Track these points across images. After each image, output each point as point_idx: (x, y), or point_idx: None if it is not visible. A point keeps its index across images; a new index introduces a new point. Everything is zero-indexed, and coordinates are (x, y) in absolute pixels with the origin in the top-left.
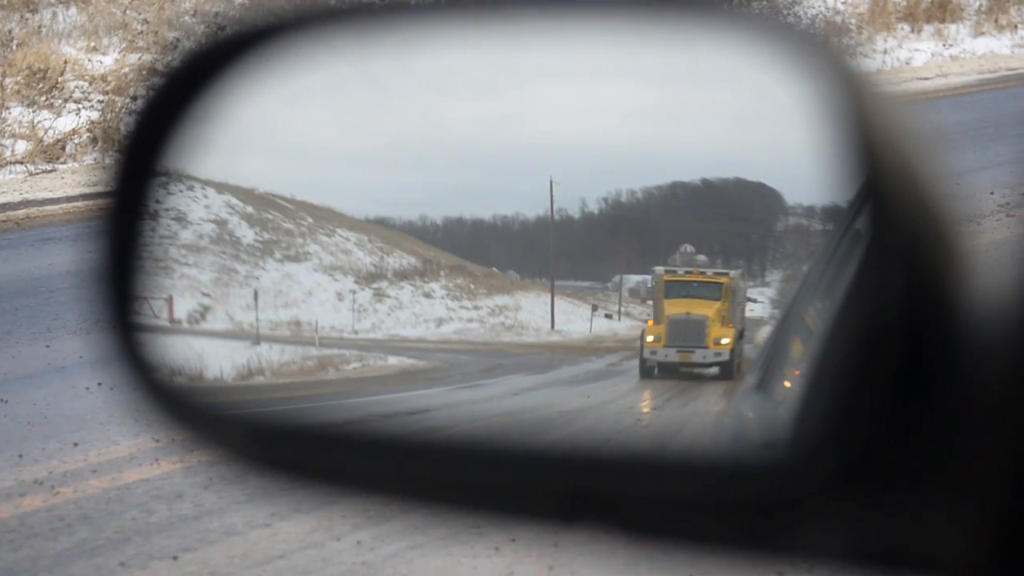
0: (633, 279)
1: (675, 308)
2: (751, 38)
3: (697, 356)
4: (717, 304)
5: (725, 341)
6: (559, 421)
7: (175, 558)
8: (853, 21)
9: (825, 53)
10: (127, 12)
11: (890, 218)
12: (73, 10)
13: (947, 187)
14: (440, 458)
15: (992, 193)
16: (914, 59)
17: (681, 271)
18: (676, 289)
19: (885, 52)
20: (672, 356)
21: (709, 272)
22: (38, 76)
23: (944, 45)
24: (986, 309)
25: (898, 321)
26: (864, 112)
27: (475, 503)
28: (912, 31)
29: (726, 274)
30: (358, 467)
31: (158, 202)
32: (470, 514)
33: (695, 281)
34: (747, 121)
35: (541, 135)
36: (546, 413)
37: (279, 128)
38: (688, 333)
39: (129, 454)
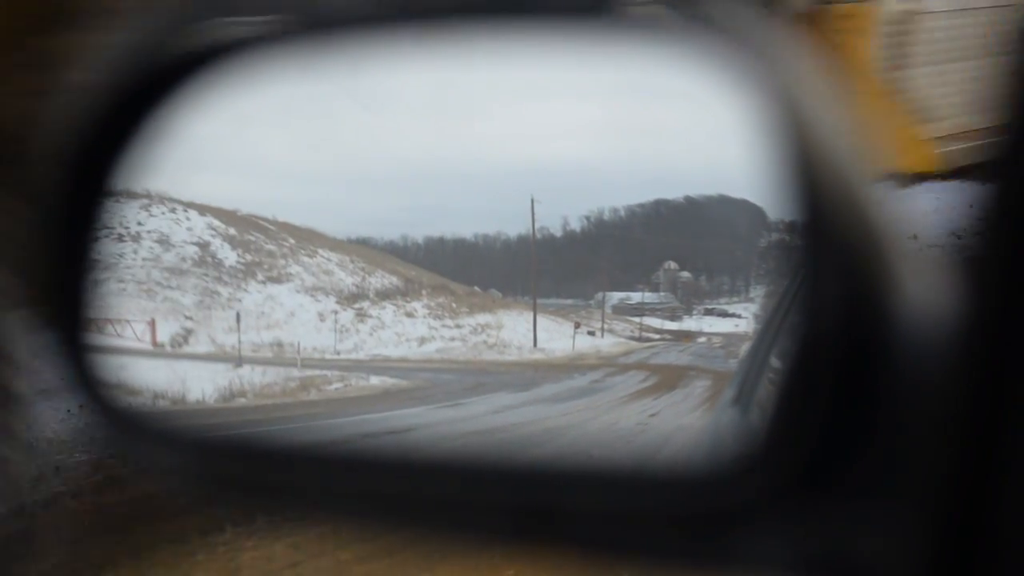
0: (616, 296)
1: None
2: (703, 52)
3: None
4: None
5: None
6: (541, 439)
7: None
8: None
9: (766, 62)
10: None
11: (825, 231)
12: None
13: (885, 200)
14: (421, 477)
15: (971, 206)
16: None
17: None
18: None
19: None
20: None
21: None
22: None
23: None
24: (922, 320)
25: (834, 334)
26: (801, 123)
27: (455, 522)
28: None
29: None
30: (338, 487)
31: (140, 224)
32: (452, 533)
33: None
34: (710, 140)
35: (521, 154)
36: (528, 431)
37: (246, 148)
38: None
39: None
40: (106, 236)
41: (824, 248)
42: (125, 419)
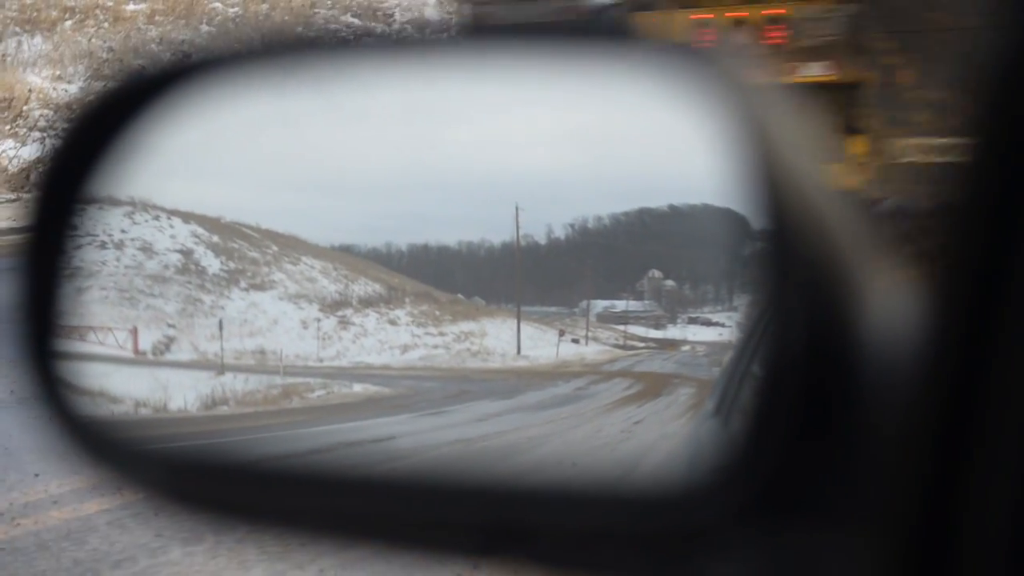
0: (600, 304)
1: None
2: (680, 69)
3: None
4: None
5: None
6: (524, 447)
7: None
8: None
9: (734, 83)
10: (92, 40)
11: (791, 251)
12: (39, 39)
13: (852, 217)
14: (394, 495)
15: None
16: None
17: None
18: None
19: None
20: None
21: None
22: (2, 105)
23: None
24: (888, 334)
25: (800, 355)
26: (766, 139)
27: (428, 539)
28: None
29: None
30: (321, 498)
31: (123, 231)
32: (424, 549)
33: None
34: (692, 150)
35: (506, 162)
36: (511, 439)
37: (231, 156)
38: None
39: (91, 484)
40: (89, 243)
41: (788, 263)
42: (99, 431)
